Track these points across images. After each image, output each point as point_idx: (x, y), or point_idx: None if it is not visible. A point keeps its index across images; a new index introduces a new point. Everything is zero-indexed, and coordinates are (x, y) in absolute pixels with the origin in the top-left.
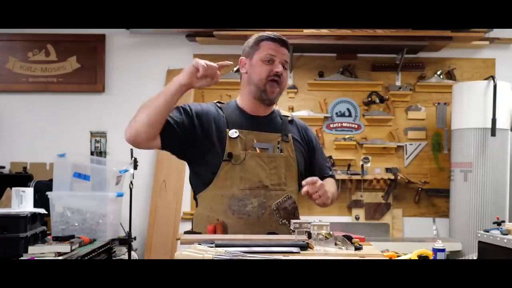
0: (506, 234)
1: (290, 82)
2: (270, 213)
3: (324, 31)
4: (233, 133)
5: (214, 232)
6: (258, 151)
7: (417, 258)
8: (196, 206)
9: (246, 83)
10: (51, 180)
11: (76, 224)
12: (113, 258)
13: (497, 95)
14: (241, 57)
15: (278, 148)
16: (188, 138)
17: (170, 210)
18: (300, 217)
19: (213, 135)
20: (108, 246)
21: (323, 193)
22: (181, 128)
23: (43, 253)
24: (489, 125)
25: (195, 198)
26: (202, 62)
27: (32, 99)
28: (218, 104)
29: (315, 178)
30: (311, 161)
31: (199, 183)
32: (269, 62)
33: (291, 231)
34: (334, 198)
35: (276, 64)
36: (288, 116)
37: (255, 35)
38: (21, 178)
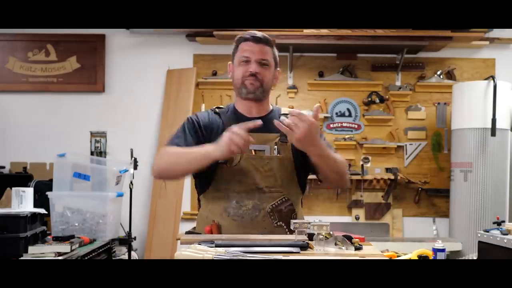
0: (506, 234)
1: (290, 82)
2: (264, 215)
3: (324, 31)
4: None
5: (210, 233)
6: (253, 153)
7: (417, 258)
8: (199, 207)
9: (233, 85)
10: (51, 180)
11: (76, 224)
12: (113, 258)
13: (497, 95)
14: (229, 62)
15: (275, 149)
16: None
17: (170, 210)
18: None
19: (211, 140)
20: (108, 246)
21: (304, 124)
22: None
23: (43, 253)
24: (489, 125)
25: (198, 199)
26: (238, 139)
27: (32, 99)
28: (217, 110)
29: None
30: None
31: (200, 185)
32: (245, 63)
33: (287, 232)
34: (338, 163)
35: (251, 64)
36: (287, 114)
37: (237, 37)
38: (21, 178)
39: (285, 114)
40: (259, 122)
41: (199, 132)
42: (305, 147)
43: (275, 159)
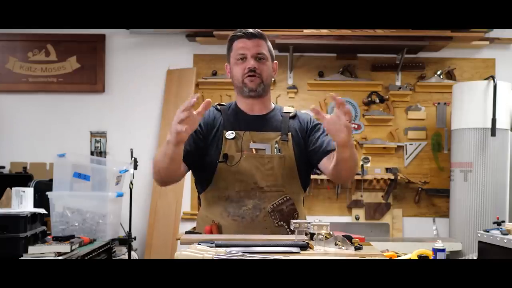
0: (506, 234)
1: (290, 82)
2: (265, 215)
3: (324, 31)
4: (229, 134)
5: (210, 233)
6: (254, 151)
7: (417, 258)
8: (199, 206)
9: (234, 85)
10: (51, 180)
11: (76, 224)
12: (113, 258)
13: (497, 95)
14: (226, 64)
15: (276, 148)
16: (198, 148)
17: (170, 210)
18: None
19: (211, 138)
20: (108, 246)
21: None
22: (196, 147)
23: (43, 253)
24: (489, 125)
25: (198, 197)
26: (175, 119)
27: (32, 99)
28: (218, 107)
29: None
30: (315, 137)
31: (200, 184)
32: (242, 60)
33: (289, 232)
34: (356, 156)
35: (248, 60)
36: (290, 112)
37: (229, 36)
38: (21, 178)
39: (288, 113)
40: (194, 99)
41: (199, 130)
42: (348, 134)
43: (276, 158)
